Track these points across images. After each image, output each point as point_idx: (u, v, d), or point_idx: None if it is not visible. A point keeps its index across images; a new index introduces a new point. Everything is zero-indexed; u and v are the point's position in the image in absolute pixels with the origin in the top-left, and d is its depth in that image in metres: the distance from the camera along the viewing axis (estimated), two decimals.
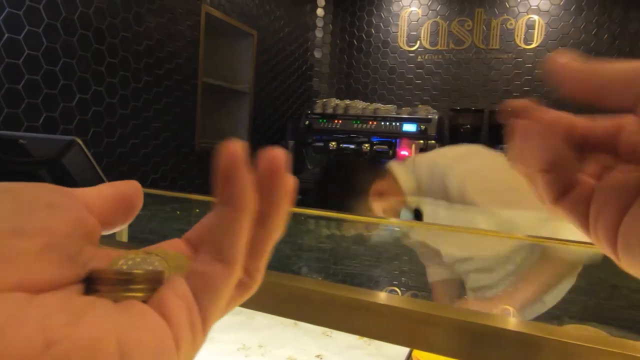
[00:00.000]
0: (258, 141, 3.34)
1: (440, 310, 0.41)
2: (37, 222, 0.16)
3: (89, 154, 1.30)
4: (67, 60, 1.87)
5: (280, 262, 1.01)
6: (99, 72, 2.04)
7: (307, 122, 3.59)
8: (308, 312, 0.50)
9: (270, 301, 0.50)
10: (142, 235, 1.06)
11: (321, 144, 3.52)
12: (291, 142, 3.66)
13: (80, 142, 1.29)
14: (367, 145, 3.38)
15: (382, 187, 1.19)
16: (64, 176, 1.27)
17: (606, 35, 3.42)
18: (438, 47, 3.87)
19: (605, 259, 0.21)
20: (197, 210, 1.28)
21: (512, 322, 0.39)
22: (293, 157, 3.71)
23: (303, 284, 0.49)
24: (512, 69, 3.65)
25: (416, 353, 0.80)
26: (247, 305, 0.49)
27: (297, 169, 3.67)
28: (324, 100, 3.79)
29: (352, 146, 3.42)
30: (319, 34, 4.18)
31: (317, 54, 4.20)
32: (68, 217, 0.17)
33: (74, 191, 0.19)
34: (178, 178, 2.58)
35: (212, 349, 0.87)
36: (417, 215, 1.21)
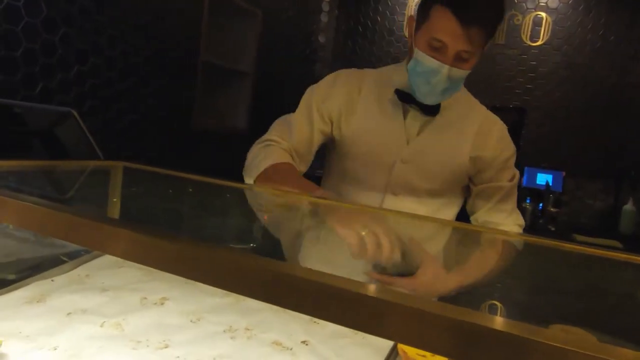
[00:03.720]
0: (258, 124, 3.32)
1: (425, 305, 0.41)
2: None
3: (84, 126, 1.29)
4: (66, 30, 1.84)
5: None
6: (99, 44, 2.01)
7: None
8: (290, 299, 0.49)
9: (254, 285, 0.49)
10: (134, 212, 1.06)
11: None
12: None
13: (76, 114, 1.27)
14: None
15: None
16: (57, 147, 1.26)
17: (612, 37, 3.40)
18: None
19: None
20: (191, 190, 1.26)
21: (499, 322, 0.39)
22: None
23: (287, 270, 0.48)
24: (516, 65, 3.63)
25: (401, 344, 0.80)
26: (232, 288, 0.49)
27: None
28: None
29: None
30: (323, 18, 4.13)
31: (321, 39, 4.16)
32: None
33: None
34: (174, 156, 2.57)
35: (199, 329, 0.87)
36: None
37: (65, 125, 1.21)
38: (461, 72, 1.09)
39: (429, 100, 1.16)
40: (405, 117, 1.22)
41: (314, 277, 0.44)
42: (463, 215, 1.34)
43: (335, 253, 0.97)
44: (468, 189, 1.30)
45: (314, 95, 1.28)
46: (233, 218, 1.12)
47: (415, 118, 1.22)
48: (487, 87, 3.67)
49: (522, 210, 3.16)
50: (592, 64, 3.43)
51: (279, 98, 3.61)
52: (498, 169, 1.24)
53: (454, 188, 1.28)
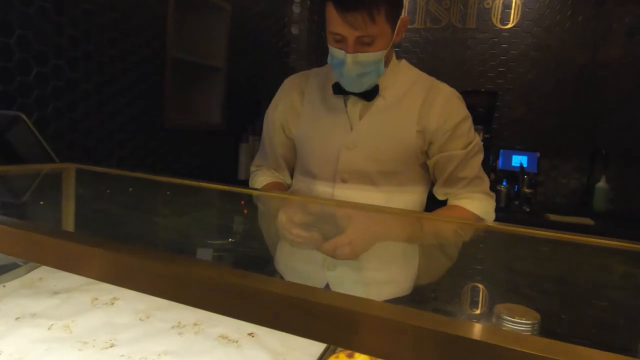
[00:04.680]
0: (232, 119, 3.30)
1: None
2: None
3: (34, 129, 1.28)
4: (22, 32, 1.81)
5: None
6: (59, 45, 1.98)
7: None
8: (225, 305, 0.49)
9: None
10: (86, 217, 1.05)
11: None
12: None
13: (25, 118, 1.26)
14: None
15: None
16: (9, 152, 1.25)
17: (581, 17, 3.43)
18: (415, 25, 3.84)
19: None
20: (169, 193, 1.27)
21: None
22: None
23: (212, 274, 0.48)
24: (488, 49, 3.65)
25: None
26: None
27: None
28: None
29: None
30: (296, 9, 4.11)
31: (294, 30, 4.14)
32: None
33: None
34: (146, 155, 2.55)
35: (147, 327, 0.87)
36: None
37: (15, 129, 1.20)
38: (369, 56, 1.12)
39: (353, 88, 1.21)
40: (346, 106, 1.26)
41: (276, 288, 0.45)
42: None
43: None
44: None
45: (268, 111, 1.42)
46: (175, 217, 1.12)
47: (355, 105, 1.25)
48: (460, 72, 3.68)
49: (497, 193, 3.20)
50: (563, 45, 3.45)
51: (252, 92, 3.59)
52: (446, 138, 1.22)
53: (410, 168, 1.27)
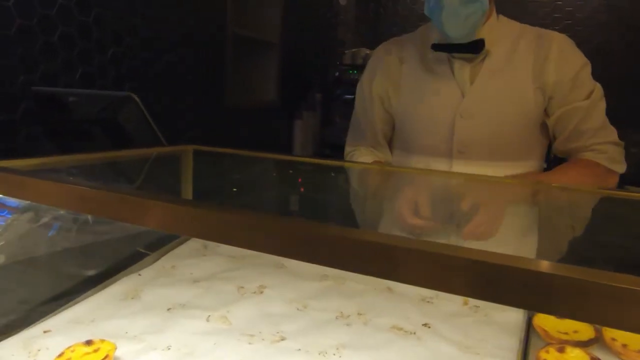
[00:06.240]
0: (287, 95, 3.23)
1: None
2: None
3: (144, 109, 1.22)
4: (99, 10, 1.76)
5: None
6: (133, 25, 1.92)
7: (336, 74, 3.46)
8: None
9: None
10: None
11: (351, 96, 3.39)
12: (318, 96, 3.54)
13: (136, 97, 1.21)
14: None
15: None
16: (119, 133, 1.20)
17: None
18: None
19: None
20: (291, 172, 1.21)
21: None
22: (321, 111, 3.60)
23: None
24: (551, 12, 3.45)
25: (538, 320, 0.74)
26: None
27: (325, 123, 3.57)
28: (354, 50, 3.63)
29: None
30: None
31: (342, 1, 4.00)
32: None
33: None
34: (210, 134, 2.50)
35: (308, 317, 0.82)
36: None
37: (126, 110, 1.15)
38: None
39: (461, 32, 1.09)
40: (452, 70, 1.15)
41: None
42: None
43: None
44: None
45: (362, 84, 1.32)
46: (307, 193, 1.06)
47: (462, 68, 1.14)
48: None
49: None
50: (634, 6, 3.24)
51: (305, 67, 3.50)
52: (567, 89, 1.10)
53: (530, 131, 1.16)
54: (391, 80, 1.24)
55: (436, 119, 1.17)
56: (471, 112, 1.13)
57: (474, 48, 1.11)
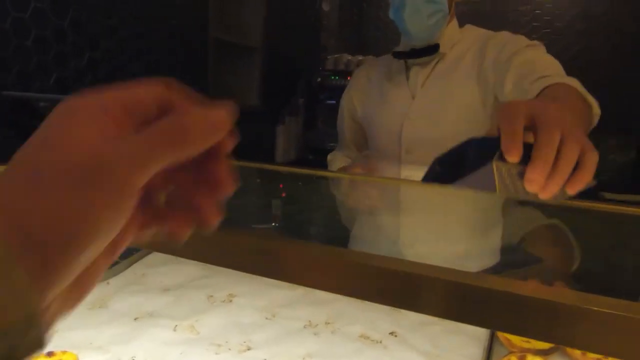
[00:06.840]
0: (270, 100, 3.22)
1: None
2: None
3: None
4: (75, 14, 1.74)
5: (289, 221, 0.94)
6: (110, 28, 1.91)
7: (318, 79, 3.46)
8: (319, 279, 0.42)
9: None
10: None
11: (333, 101, 3.40)
12: (301, 100, 3.54)
13: None
14: None
15: None
16: None
17: None
18: None
19: None
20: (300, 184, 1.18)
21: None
22: (304, 116, 3.60)
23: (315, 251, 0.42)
24: (530, 21, 3.51)
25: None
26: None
27: (308, 127, 3.57)
28: (336, 56, 3.64)
29: None
30: None
31: (325, 7, 4.01)
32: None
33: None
34: None
35: (277, 326, 0.82)
36: None
37: None
38: None
39: (422, 31, 1.13)
40: (408, 76, 1.22)
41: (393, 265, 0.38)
42: None
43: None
44: None
45: (343, 98, 1.43)
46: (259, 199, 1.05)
47: (417, 73, 1.20)
48: None
49: None
50: (612, 13, 3.30)
51: (287, 71, 3.50)
52: (506, 60, 1.01)
53: (478, 133, 1.10)
54: (358, 93, 1.35)
55: (386, 122, 1.24)
56: (418, 114, 1.18)
57: (431, 51, 1.17)
